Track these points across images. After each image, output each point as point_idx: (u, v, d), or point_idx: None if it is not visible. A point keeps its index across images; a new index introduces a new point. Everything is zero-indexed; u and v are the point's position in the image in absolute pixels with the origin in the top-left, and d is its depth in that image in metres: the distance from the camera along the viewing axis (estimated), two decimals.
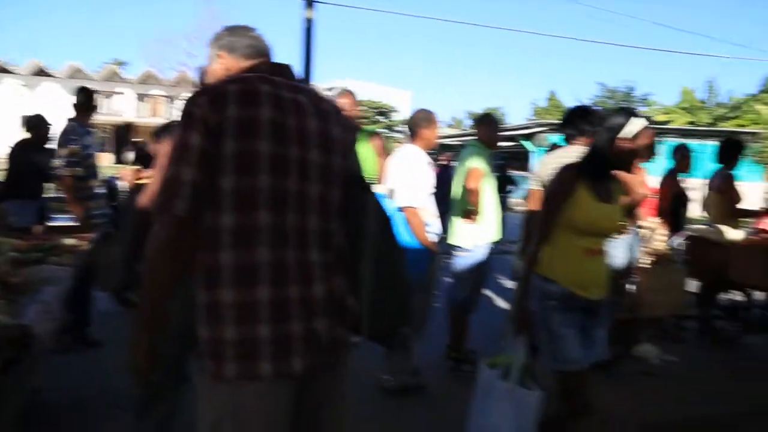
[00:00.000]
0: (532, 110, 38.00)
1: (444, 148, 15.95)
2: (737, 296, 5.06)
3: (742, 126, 22.97)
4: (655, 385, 4.04)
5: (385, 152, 4.04)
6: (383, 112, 40.58)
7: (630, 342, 4.37)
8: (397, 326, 1.77)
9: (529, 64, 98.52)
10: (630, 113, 2.40)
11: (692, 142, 6.92)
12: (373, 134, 4.14)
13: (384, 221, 1.66)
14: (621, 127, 2.34)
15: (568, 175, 2.42)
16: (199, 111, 1.38)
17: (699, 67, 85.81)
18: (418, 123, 3.65)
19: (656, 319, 4.65)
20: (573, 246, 2.41)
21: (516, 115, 79.06)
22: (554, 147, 4.30)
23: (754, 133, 20.03)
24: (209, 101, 1.39)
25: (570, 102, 33.21)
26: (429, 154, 3.72)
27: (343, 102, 3.48)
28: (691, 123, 24.15)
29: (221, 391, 1.40)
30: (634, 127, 2.34)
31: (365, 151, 3.46)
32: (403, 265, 1.71)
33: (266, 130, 1.41)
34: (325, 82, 29.30)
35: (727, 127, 22.95)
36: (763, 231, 4.85)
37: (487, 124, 4.15)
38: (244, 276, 1.39)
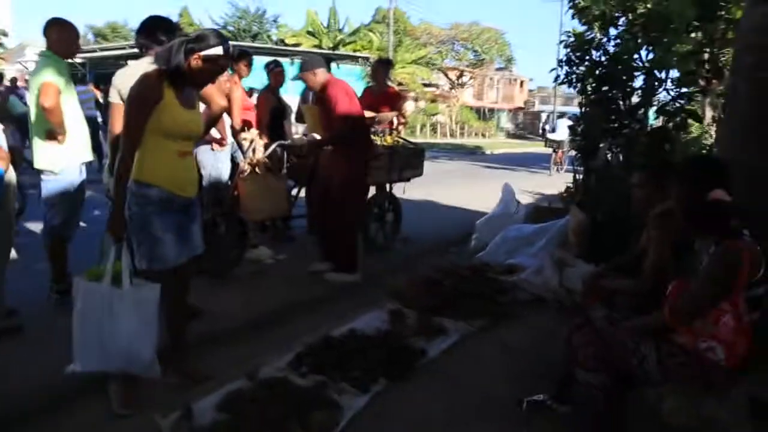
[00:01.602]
0: None
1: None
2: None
3: (357, 50, 26.08)
4: (268, 283, 4.51)
5: None
6: None
7: (243, 246, 4.73)
8: None
9: None
10: (217, 36, 2.55)
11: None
12: None
13: None
14: (206, 47, 2.49)
15: (152, 82, 2.48)
16: None
17: None
18: None
19: (261, 222, 5.14)
20: (166, 149, 2.54)
21: None
22: None
23: (366, 58, 23.01)
24: None
25: (205, 21, 32.33)
26: None
27: None
28: (317, 46, 26.30)
29: None
30: (215, 50, 2.51)
31: None
32: None
33: None
34: None
35: (346, 50, 25.77)
36: None
37: (59, 30, 3.67)
38: None
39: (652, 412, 2.24)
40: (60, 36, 3.62)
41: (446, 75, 37.16)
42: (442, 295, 3.97)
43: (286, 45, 25.48)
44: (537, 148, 31.16)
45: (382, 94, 6.24)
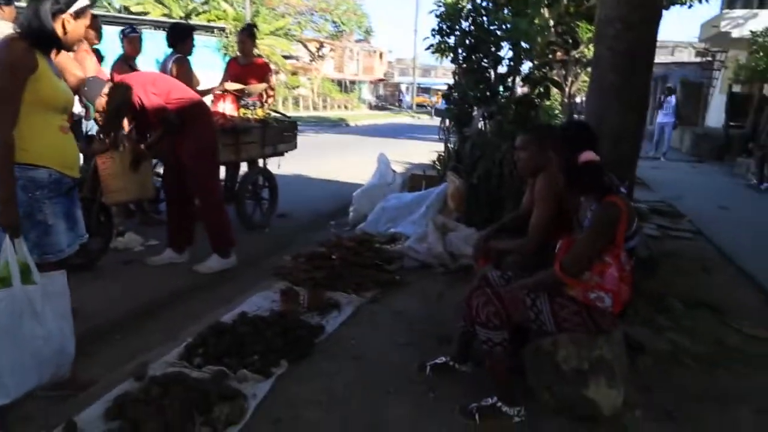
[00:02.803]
0: None
1: None
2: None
3: (212, 21, 24.67)
4: (141, 272, 4.13)
5: None
6: None
7: (108, 234, 4.30)
8: None
9: None
10: None
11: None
12: None
13: None
14: (70, 2, 2.23)
15: (22, 48, 2.13)
16: None
17: None
18: None
19: (126, 204, 4.70)
20: (49, 125, 2.25)
21: None
22: None
23: (222, 29, 21.84)
24: None
25: None
26: None
27: None
28: (166, 15, 24.47)
29: None
30: (81, 2, 2.26)
31: None
32: None
33: None
34: None
35: (200, 21, 24.26)
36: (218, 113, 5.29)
37: None
38: None
39: (547, 360, 2.38)
40: None
41: (306, 47, 36.55)
42: (331, 269, 3.91)
43: (131, 13, 23.38)
44: (398, 118, 32.01)
45: (250, 66, 5.94)
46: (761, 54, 11.11)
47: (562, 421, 2.34)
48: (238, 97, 5.58)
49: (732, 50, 14.47)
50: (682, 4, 9.67)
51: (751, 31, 11.76)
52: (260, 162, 5.59)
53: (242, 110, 5.45)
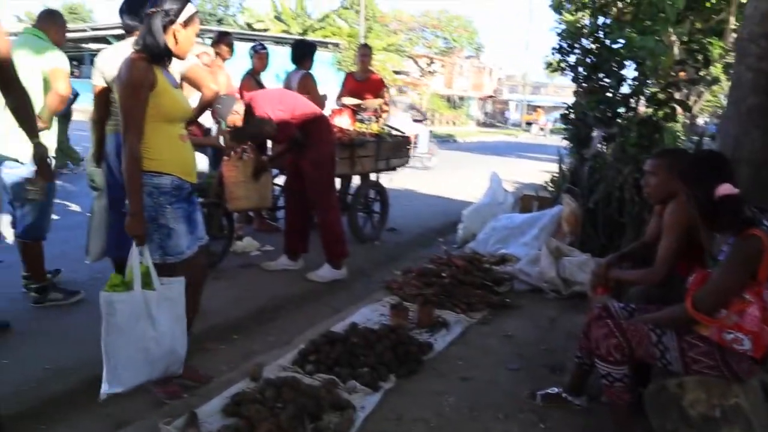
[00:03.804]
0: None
1: None
2: None
3: (327, 37, 25.70)
4: (257, 277, 4.34)
5: None
6: None
7: (229, 238, 4.57)
8: None
9: None
10: None
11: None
12: None
13: None
14: (178, 12, 2.36)
15: (143, 66, 2.32)
16: None
17: None
18: None
19: (246, 211, 4.97)
20: (170, 135, 2.43)
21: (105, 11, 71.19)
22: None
23: (336, 44, 22.69)
24: None
25: None
26: None
27: None
28: (285, 32, 25.81)
29: None
30: (188, 10, 2.39)
31: None
32: None
33: None
34: None
35: (315, 37, 25.36)
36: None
37: (56, 19, 3.61)
38: None
39: (673, 402, 2.22)
40: (60, 27, 3.58)
41: (416, 62, 37.04)
42: (441, 287, 3.90)
43: (254, 30, 24.91)
44: (507, 136, 31.50)
45: (366, 81, 6.12)
46: None
47: None
48: (355, 111, 5.76)
49: None
50: None
51: None
52: (373, 176, 5.71)
53: (358, 124, 5.61)
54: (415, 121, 13.60)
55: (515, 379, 2.82)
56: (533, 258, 4.24)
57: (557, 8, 6.01)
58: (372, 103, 5.87)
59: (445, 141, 23.54)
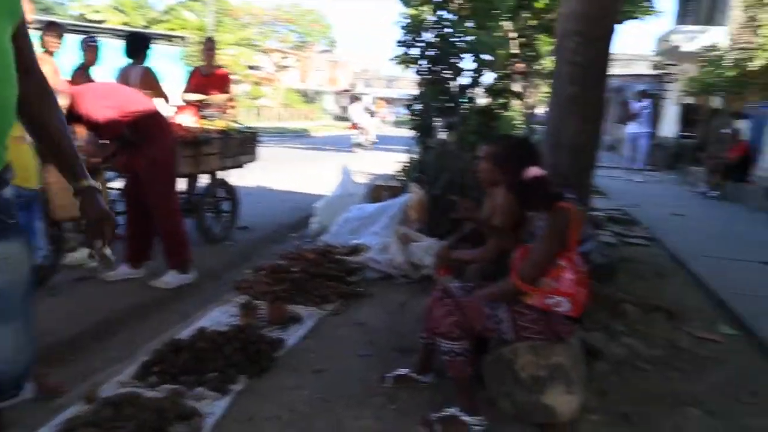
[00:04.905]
0: None
1: None
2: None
3: (173, 30, 24.33)
4: (95, 289, 4.00)
5: None
6: None
7: (59, 251, 4.15)
8: None
9: None
10: None
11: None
12: None
13: None
14: None
15: None
16: None
17: None
18: None
19: (77, 221, 4.54)
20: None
21: None
22: None
23: (182, 37, 21.54)
24: None
25: None
26: None
27: None
28: (126, 24, 24.06)
29: None
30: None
31: None
32: None
33: None
34: None
35: (159, 29, 23.89)
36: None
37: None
38: None
39: (507, 368, 2.40)
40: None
41: (270, 57, 36.40)
42: (292, 282, 3.86)
43: (88, 21, 22.88)
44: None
45: (212, 76, 5.89)
46: (709, 68, 11.55)
47: (521, 429, 2.36)
48: (199, 107, 5.50)
49: (684, 64, 14.99)
50: (635, 18, 10.00)
51: (701, 47, 12.23)
52: (220, 174, 5.51)
53: (203, 121, 5.37)
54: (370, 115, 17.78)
55: (367, 365, 2.88)
56: (383, 246, 4.36)
57: (406, 2, 6.17)
58: (217, 98, 5.66)
59: (299, 136, 23.45)
